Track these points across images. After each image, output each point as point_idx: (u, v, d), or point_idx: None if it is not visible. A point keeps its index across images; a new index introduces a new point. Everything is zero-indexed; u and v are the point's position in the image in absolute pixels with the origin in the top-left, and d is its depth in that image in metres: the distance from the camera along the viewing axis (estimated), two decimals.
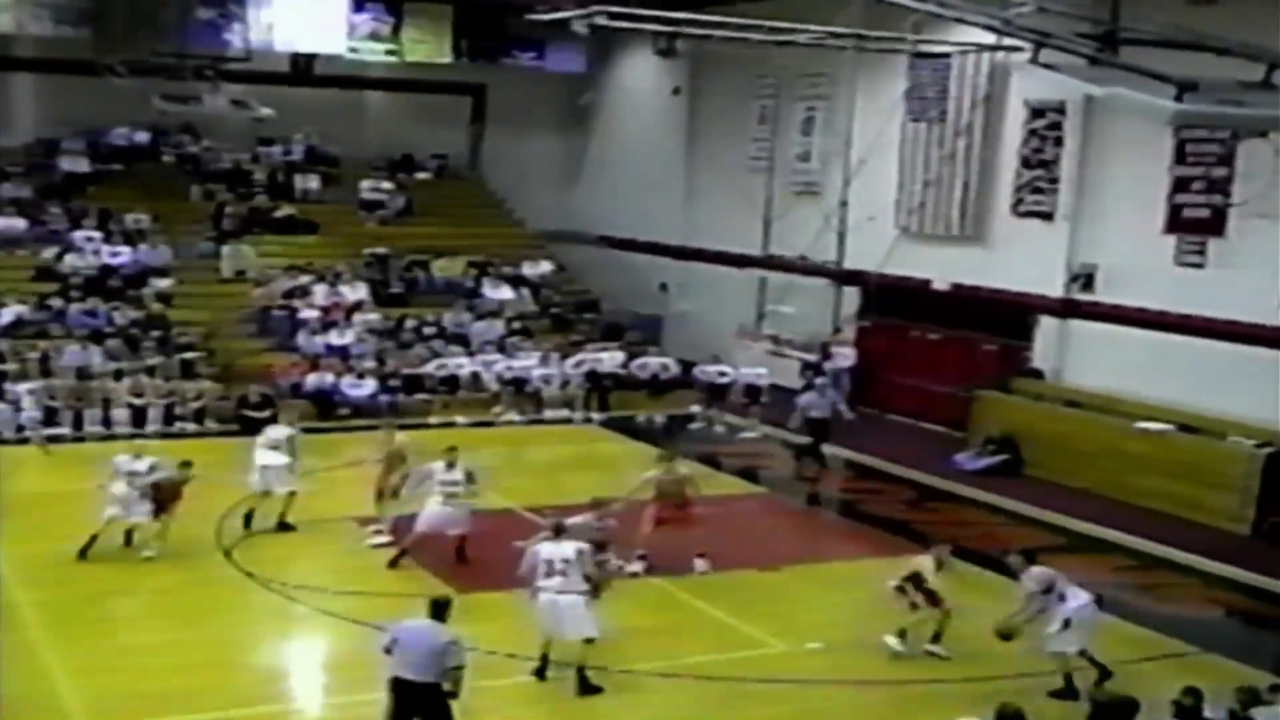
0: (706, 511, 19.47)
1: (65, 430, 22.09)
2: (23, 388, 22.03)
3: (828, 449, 23.37)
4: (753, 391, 25.52)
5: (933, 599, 13.63)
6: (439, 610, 10.43)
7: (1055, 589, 12.82)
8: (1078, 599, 12.84)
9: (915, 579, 13.67)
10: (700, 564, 16.00)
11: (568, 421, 25.31)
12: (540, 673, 12.48)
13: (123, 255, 26.81)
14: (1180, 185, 20.53)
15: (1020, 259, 23.29)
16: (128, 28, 24.33)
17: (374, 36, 29.22)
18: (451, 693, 10.11)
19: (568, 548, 12.64)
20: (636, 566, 15.69)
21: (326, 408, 24.02)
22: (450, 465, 15.73)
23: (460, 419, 24.03)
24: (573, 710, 12.23)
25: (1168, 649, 14.25)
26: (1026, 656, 13.95)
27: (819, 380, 23.34)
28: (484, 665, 12.60)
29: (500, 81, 32.11)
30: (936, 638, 13.69)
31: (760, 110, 28.60)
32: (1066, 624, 12.68)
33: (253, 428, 22.57)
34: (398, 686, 10.09)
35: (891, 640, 13.56)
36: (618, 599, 15.14)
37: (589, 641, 12.32)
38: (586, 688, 12.31)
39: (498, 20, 30.05)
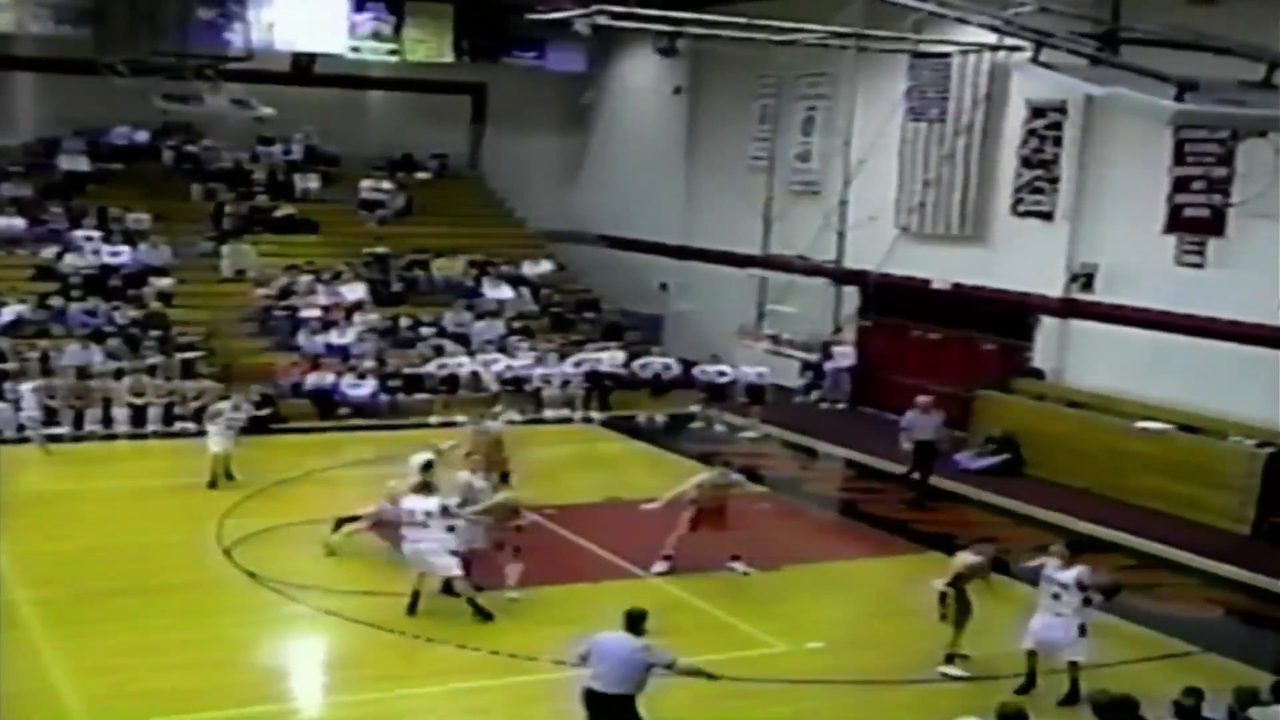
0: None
1: (65, 430, 22.08)
2: (24, 387, 22.02)
3: (826, 448, 23.46)
4: (754, 391, 25.53)
5: (966, 608, 13.29)
6: (634, 622, 10.38)
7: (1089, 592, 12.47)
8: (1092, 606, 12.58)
9: (957, 582, 13.29)
10: (739, 565, 16.01)
11: (568, 421, 25.31)
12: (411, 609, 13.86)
13: (123, 255, 26.81)
14: (1180, 185, 20.53)
15: (1020, 259, 23.29)
16: (128, 27, 24.34)
17: (375, 36, 29.22)
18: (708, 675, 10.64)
19: (431, 502, 14.01)
20: (661, 567, 15.75)
21: (326, 408, 24.03)
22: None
23: (460, 419, 23.98)
24: (573, 710, 12.21)
25: (1168, 649, 14.25)
26: (1026, 656, 13.99)
27: (920, 398, 20.47)
28: (484, 665, 12.65)
29: (501, 81, 32.12)
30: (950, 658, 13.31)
31: (760, 110, 28.61)
32: (1083, 630, 12.46)
33: (254, 428, 22.74)
34: (590, 699, 10.09)
35: (949, 670, 13.16)
36: (618, 599, 15.17)
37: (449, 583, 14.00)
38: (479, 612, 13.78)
39: (498, 20, 30.06)
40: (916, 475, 20.34)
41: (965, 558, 13.65)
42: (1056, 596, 12.45)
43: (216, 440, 19.21)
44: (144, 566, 15.31)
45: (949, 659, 13.22)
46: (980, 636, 14.76)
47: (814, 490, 21.88)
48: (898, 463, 21.95)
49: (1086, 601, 12.39)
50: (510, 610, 14.30)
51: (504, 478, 16.21)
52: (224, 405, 19.92)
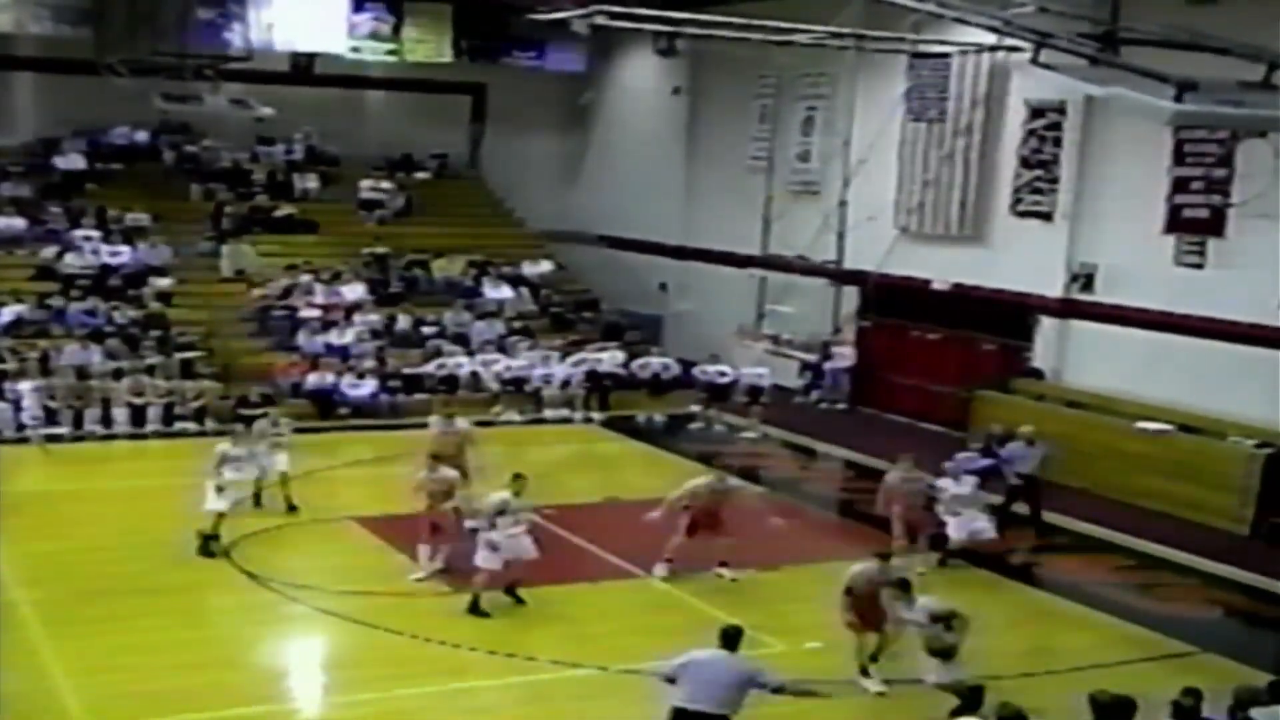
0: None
1: (65, 430, 22.08)
2: (23, 387, 22.03)
3: (826, 448, 23.45)
4: (754, 392, 25.53)
5: (865, 617, 12.83)
6: (732, 640, 10.25)
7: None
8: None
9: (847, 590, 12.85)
10: (726, 572, 15.86)
11: (568, 421, 25.31)
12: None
13: (122, 254, 26.79)
14: (1180, 185, 20.53)
15: (1020, 259, 23.29)
16: (128, 27, 24.33)
17: (374, 36, 29.19)
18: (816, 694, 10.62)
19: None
20: (662, 570, 15.73)
21: (326, 408, 24.03)
22: (518, 495, 14.63)
23: (460, 419, 23.98)
24: (573, 710, 12.24)
25: (1168, 649, 14.24)
26: (1026, 657, 13.99)
27: (1023, 429, 19.04)
28: (484, 665, 12.64)
29: (500, 81, 32.11)
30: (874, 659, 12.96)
31: (760, 110, 28.61)
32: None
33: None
34: (683, 718, 9.90)
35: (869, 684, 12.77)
36: (618, 600, 15.20)
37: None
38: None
39: (498, 20, 30.03)
40: (1024, 511, 18.77)
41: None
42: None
43: (274, 461, 17.85)
44: (144, 566, 15.31)
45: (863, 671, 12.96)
46: (979, 636, 14.78)
47: (814, 490, 21.87)
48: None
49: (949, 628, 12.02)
50: (510, 610, 14.33)
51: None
52: (264, 424, 18.52)
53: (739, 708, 10.04)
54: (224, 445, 16.81)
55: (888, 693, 12.64)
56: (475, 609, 14.06)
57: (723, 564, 15.91)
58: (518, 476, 14.61)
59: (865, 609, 12.84)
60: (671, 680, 10.07)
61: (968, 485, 17.11)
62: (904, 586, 12.31)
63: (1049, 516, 19.41)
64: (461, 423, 18.67)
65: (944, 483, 17.15)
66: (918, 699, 12.47)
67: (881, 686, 12.73)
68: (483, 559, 14.19)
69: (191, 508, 16.71)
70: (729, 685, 9.95)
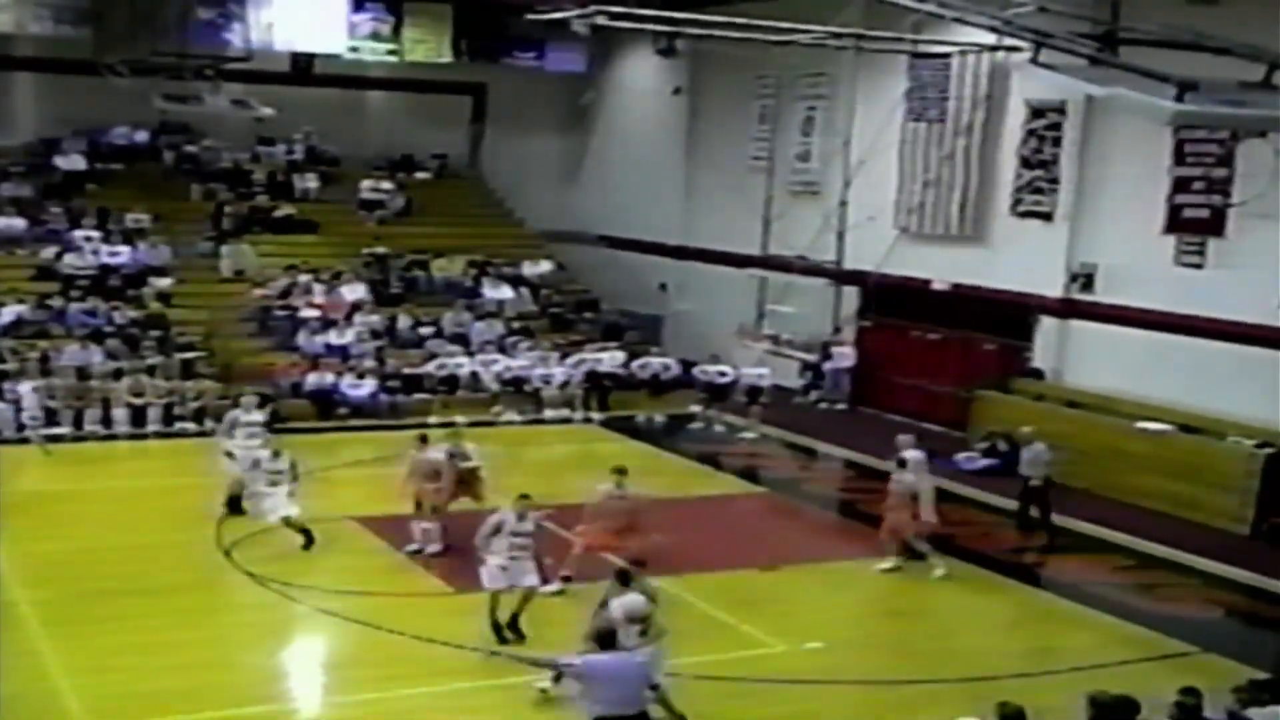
0: (707, 511, 19.60)
1: (65, 430, 22.08)
2: (24, 387, 22.02)
3: (826, 448, 23.45)
4: (754, 392, 25.53)
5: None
6: (612, 639, 10.27)
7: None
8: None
9: None
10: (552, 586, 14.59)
11: (568, 421, 25.31)
12: None
13: (122, 255, 26.80)
14: (1180, 185, 20.53)
15: (1020, 259, 23.29)
16: (128, 27, 24.32)
17: (374, 36, 29.20)
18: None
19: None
20: (554, 587, 14.65)
21: (326, 408, 24.03)
22: (521, 516, 13.70)
23: (460, 419, 24.01)
24: (573, 710, 12.22)
25: (1168, 649, 14.25)
26: (1026, 657, 14.00)
27: (1025, 429, 19.37)
28: (484, 665, 12.63)
29: (500, 81, 32.12)
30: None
31: (760, 110, 28.61)
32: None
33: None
34: None
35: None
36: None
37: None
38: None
39: (498, 20, 30.05)
40: (1036, 515, 18.77)
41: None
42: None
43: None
44: (144, 566, 15.31)
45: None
46: (978, 636, 14.80)
47: (814, 490, 21.87)
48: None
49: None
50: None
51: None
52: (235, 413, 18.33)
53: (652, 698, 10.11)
54: (236, 411, 18.27)
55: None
56: (498, 629, 13.35)
57: (566, 579, 14.99)
58: (524, 497, 13.86)
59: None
60: (574, 677, 9.95)
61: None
62: (622, 579, 11.88)
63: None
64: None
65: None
66: (917, 699, 12.49)
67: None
68: (487, 579, 13.46)
69: (192, 508, 16.76)
70: (642, 682, 10.03)
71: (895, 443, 17.36)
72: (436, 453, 16.83)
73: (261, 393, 22.96)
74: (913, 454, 16.99)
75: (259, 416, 18.42)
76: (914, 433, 17.82)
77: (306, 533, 16.08)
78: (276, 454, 16.36)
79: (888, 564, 16.53)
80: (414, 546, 16.34)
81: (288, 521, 16.04)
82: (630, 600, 11.35)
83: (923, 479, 16.73)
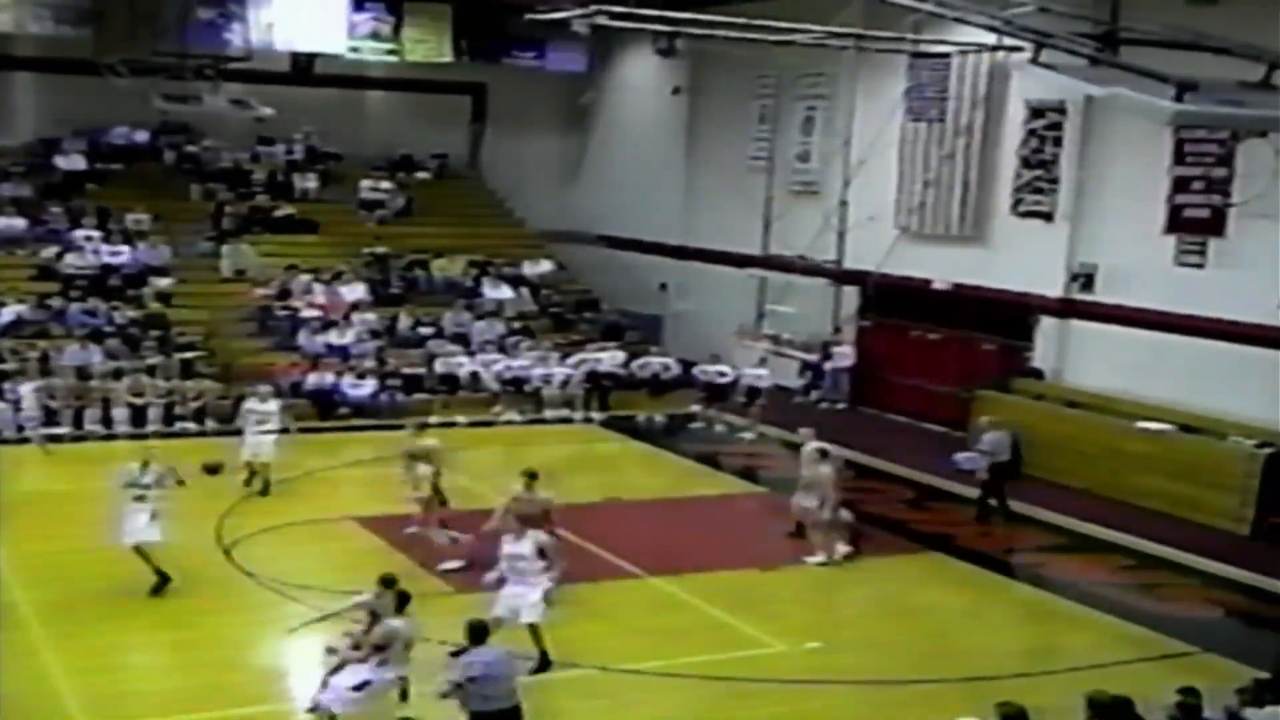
0: (707, 511, 19.59)
1: (65, 430, 22.09)
2: (23, 387, 22.02)
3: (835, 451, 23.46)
4: (754, 392, 25.52)
5: None
6: (482, 634, 10.32)
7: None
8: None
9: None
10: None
11: (568, 421, 25.31)
12: None
13: (122, 255, 26.80)
14: (1180, 185, 20.53)
15: (1020, 259, 23.29)
16: (128, 27, 24.34)
17: (374, 36, 29.19)
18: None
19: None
20: (454, 565, 15.06)
21: (326, 408, 24.03)
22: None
23: (460, 419, 24.02)
24: (573, 710, 12.24)
25: (1168, 649, 14.25)
26: (1026, 657, 14.01)
27: (984, 419, 19.95)
28: None
29: (500, 81, 32.12)
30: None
31: (760, 110, 28.61)
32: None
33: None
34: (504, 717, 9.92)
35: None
36: (619, 599, 15.19)
37: None
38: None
39: (498, 20, 30.04)
40: (993, 501, 19.32)
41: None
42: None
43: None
44: (144, 567, 15.28)
45: None
46: (978, 636, 14.80)
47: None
48: (897, 462, 21.95)
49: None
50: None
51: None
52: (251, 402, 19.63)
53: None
54: (251, 401, 19.35)
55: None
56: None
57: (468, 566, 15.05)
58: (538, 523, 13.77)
59: None
60: (459, 686, 9.85)
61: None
62: (401, 601, 11.65)
63: (1049, 516, 19.48)
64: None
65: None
66: (917, 699, 12.50)
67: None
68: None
69: (191, 508, 16.71)
70: (514, 676, 10.13)
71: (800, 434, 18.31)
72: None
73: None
74: (811, 446, 17.65)
75: (272, 406, 19.42)
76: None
77: (160, 573, 14.46)
78: (145, 465, 14.78)
79: (842, 550, 16.93)
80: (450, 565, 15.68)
81: (139, 550, 14.44)
82: (406, 626, 11.33)
83: (820, 470, 17.13)
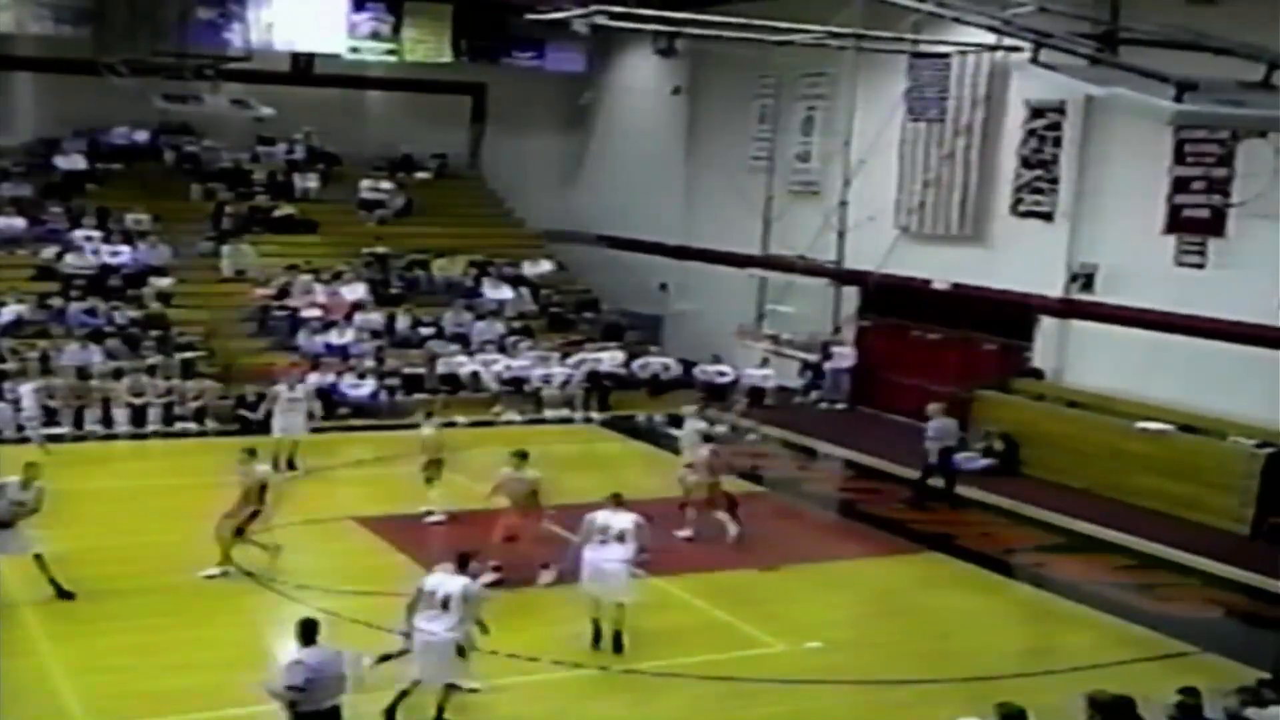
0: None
1: (65, 430, 22.09)
2: (24, 387, 22.01)
3: (826, 448, 23.45)
4: (756, 393, 25.51)
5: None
6: (315, 631, 10.18)
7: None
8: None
9: None
10: (546, 575, 15.14)
11: (568, 421, 25.31)
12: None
13: (122, 254, 26.81)
14: (1180, 185, 20.53)
15: (1020, 259, 23.29)
16: (128, 27, 24.32)
17: (374, 36, 29.23)
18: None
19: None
20: (490, 578, 14.61)
21: (326, 408, 23.99)
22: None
23: (460, 419, 24.01)
24: (573, 710, 12.24)
25: (1168, 649, 14.25)
26: (1026, 657, 14.01)
27: (933, 405, 20.32)
28: (484, 665, 12.61)
29: (500, 81, 32.12)
30: None
31: (760, 110, 28.61)
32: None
33: (252, 428, 22.70)
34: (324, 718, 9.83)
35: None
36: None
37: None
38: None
39: (498, 20, 30.07)
40: (942, 484, 20.02)
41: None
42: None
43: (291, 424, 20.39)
44: (144, 566, 15.31)
45: None
46: (978, 636, 14.80)
47: (814, 490, 21.87)
48: (897, 463, 21.95)
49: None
50: (510, 610, 14.31)
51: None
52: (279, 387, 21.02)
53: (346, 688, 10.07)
54: (281, 388, 20.72)
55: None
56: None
57: (545, 565, 15.20)
58: (616, 496, 14.09)
59: None
60: (299, 691, 9.71)
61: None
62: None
63: (1049, 516, 19.50)
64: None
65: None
66: (917, 699, 12.50)
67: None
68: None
69: (192, 508, 16.72)
70: (341, 675, 10.02)
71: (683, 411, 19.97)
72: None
73: (262, 393, 23.21)
74: (692, 427, 18.95)
75: (300, 393, 20.87)
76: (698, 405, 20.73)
77: (56, 585, 14.20)
78: (26, 484, 14.25)
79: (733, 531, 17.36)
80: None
81: (39, 560, 14.20)
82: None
83: (700, 451, 17.86)
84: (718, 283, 29.30)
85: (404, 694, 11.46)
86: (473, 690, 11.88)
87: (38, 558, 14.21)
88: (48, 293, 25.33)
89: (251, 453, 15.81)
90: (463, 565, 11.62)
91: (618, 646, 13.29)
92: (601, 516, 13.62)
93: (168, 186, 29.45)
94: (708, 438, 18.58)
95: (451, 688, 11.46)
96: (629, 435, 24.61)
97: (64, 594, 14.23)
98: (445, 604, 11.25)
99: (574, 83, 32.52)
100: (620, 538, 13.37)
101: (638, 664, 12.99)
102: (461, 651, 11.36)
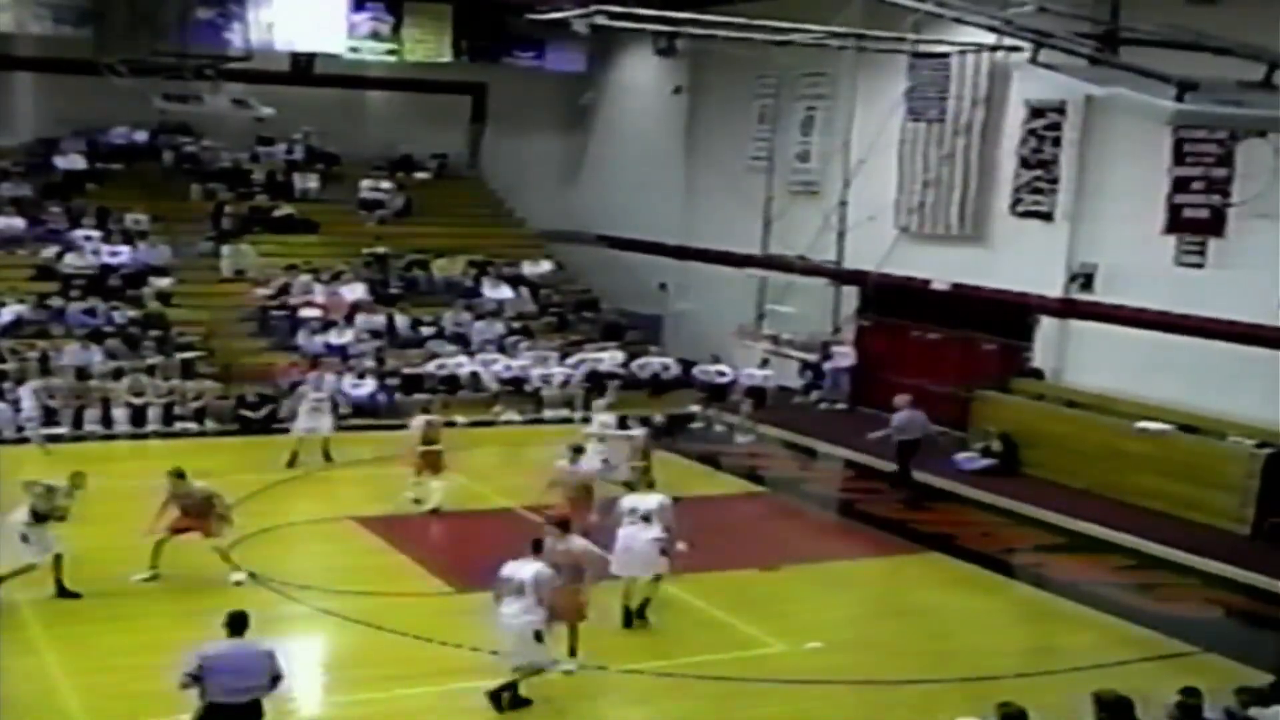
0: (705, 510, 19.56)
1: (65, 430, 22.09)
2: (24, 390, 22.00)
3: (826, 448, 23.44)
4: (756, 393, 25.52)
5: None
6: (240, 625, 10.22)
7: None
8: None
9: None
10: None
11: (568, 421, 25.27)
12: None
13: (122, 254, 26.80)
14: (1180, 185, 20.52)
15: (1020, 259, 23.29)
16: (128, 27, 24.33)
17: (374, 36, 29.22)
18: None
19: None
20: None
21: None
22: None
23: (460, 419, 24.00)
24: (573, 710, 12.24)
25: (1168, 649, 14.25)
26: (1026, 657, 14.01)
27: (901, 397, 21.14)
28: (484, 665, 12.63)
29: (500, 81, 32.12)
30: None
31: (760, 110, 28.61)
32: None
33: (252, 428, 22.76)
34: (221, 714, 9.81)
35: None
36: (616, 597, 15.18)
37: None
38: None
39: (498, 20, 30.05)
40: (902, 473, 20.80)
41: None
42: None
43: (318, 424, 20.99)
44: (144, 567, 15.28)
45: None
46: (978, 636, 14.80)
47: (814, 490, 21.87)
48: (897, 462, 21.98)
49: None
50: None
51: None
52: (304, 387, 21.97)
53: (268, 690, 10.00)
54: (306, 388, 21.70)
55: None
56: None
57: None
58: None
59: None
60: (197, 679, 9.81)
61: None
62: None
63: (1049, 516, 19.50)
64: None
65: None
66: (917, 699, 12.50)
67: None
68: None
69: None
70: (260, 672, 9.97)
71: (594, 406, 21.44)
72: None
73: (262, 393, 23.25)
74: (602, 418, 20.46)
75: (325, 393, 21.76)
76: None
77: (60, 585, 14.32)
78: (71, 491, 14.69)
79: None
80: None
81: (57, 560, 14.34)
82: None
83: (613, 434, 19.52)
84: (717, 283, 29.29)
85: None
86: (567, 672, 12.35)
87: (57, 558, 14.30)
88: (47, 293, 25.32)
89: (180, 475, 15.33)
90: (536, 550, 12.03)
91: (641, 613, 13.87)
92: (630, 499, 14.29)
93: (167, 186, 29.45)
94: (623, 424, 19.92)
95: (534, 671, 11.84)
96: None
97: (66, 594, 14.26)
98: (520, 590, 11.66)
99: (574, 83, 32.52)
100: (647, 518, 13.90)
101: (638, 664, 12.99)
102: (539, 636, 11.69)
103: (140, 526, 15.22)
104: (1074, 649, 14.14)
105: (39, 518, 14.22)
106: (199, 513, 15.08)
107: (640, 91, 32.20)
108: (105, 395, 22.68)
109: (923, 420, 20.77)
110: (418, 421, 18.94)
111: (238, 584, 14.75)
